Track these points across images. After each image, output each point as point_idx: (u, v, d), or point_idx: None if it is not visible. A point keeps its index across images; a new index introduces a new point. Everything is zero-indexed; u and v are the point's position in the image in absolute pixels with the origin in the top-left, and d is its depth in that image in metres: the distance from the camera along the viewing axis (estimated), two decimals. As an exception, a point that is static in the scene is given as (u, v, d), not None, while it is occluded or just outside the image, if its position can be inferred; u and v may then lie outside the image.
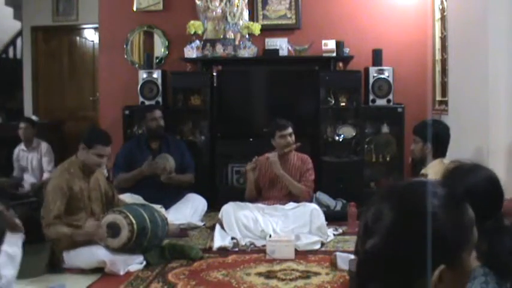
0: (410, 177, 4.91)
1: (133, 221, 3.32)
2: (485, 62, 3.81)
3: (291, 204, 4.12)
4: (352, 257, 3.21)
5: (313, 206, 4.08)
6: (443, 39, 5.05)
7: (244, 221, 3.95)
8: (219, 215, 4.03)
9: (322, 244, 3.84)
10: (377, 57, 5.19)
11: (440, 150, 3.37)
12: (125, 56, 5.78)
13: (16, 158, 5.51)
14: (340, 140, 5.18)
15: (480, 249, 1.39)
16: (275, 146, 4.26)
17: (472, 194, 1.43)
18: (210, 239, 3.94)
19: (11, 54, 8.01)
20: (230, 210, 4.00)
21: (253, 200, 4.27)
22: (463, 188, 1.42)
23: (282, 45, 5.37)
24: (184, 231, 4.22)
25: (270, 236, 3.73)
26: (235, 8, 5.39)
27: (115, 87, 5.71)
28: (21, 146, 5.47)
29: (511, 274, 1.41)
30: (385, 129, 5.24)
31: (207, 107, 5.26)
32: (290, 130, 4.23)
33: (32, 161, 5.43)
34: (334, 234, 4.10)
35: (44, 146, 5.45)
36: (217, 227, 3.97)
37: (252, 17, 5.52)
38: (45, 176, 5.24)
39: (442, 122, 3.73)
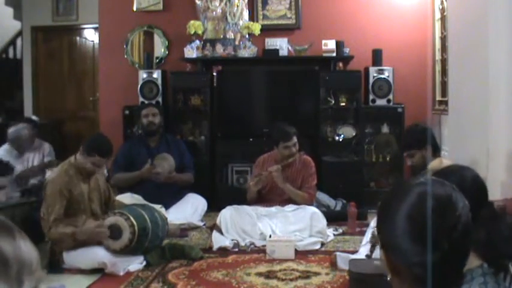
0: (411, 177, 4.90)
1: (135, 223, 3.32)
2: (485, 62, 3.81)
3: (291, 206, 4.10)
4: (352, 256, 3.21)
5: (313, 209, 4.05)
6: (443, 39, 5.04)
7: (243, 225, 3.93)
8: (217, 221, 3.99)
9: (322, 244, 3.84)
10: (377, 57, 5.19)
11: (436, 150, 3.41)
12: (125, 56, 5.78)
13: None
14: (340, 140, 5.18)
15: (477, 239, 1.40)
16: (278, 153, 4.20)
17: (461, 189, 1.48)
18: (210, 239, 3.94)
19: (11, 54, 8.01)
20: (228, 215, 3.98)
21: (254, 202, 4.26)
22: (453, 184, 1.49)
23: (282, 45, 5.37)
24: (184, 231, 4.23)
25: (270, 236, 3.72)
26: (235, 8, 5.40)
27: (115, 87, 5.71)
28: None
29: (507, 263, 1.43)
30: (385, 129, 5.25)
31: (207, 107, 5.26)
32: (294, 140, 4.13)
33: (34, 161, 5.39)
34: (334, 234, 4.10)
35: (47, 146, 5.40)
36: (214, 232, 3.94)
37: (252, 17, 5.51)
38: (48, 174, 5.20)
39: (421, 124, 3.75)
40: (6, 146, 4.74)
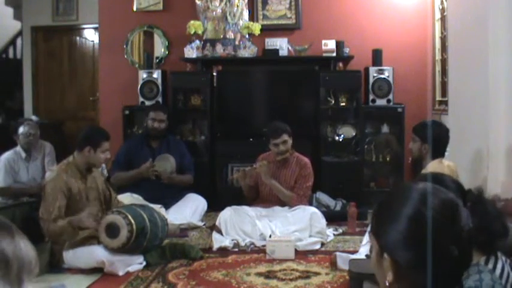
0: (410, 177, 4.91)
1: (133, 221, 3.31)
2: (485, 62, 3.81)
3: (290, 207, 4.11)
4: (352, 256, 3.21)
5: (313, 209, 4.04)
6: (443, 39, 5.05)
7: (243, 226, 3.93)
8: (217, 222, 3.99)
9: (322, 244, 3.84)
10: (377, 57, 5.19)
11: (438, 151, 3.40)
12: (125, 56, 5.78)
13: None
14: (340, 140, 5.18)
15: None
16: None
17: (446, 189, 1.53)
18: (210, 239, 3.94)
19: (11, 54, 8.02)
20: (228, 216, 3.97)
21: (253, 200, 4.27)
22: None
23: (282, 45, 5.37)
24: (184, 231, 4.23)
25: (270, 236, 3.72)
26: (235, 8, 5.39)
27: (115, 87, 5.71)
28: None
29: (499, 239, 1.45)
30: (385, 129, 5.25)
31: (207, 107, 5.26)
32: (284, 138, 4.10)
33: (36, 161, 5.38)
34: (334, 234, 4.10)
35: (48, 146, 5.40)
36: (214, 233, 3.93)
37: (252, 17, 5.51)
38: (47, 174, 5.18)
39: (442, 124, 3.75)
40: (17, 148, 4.67)
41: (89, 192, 3.58)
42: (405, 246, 0.97)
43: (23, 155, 4.67)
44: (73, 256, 3.36)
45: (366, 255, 3.07)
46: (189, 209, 4.50)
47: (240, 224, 3.94)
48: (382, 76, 5.12)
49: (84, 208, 3.52)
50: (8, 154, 4.64)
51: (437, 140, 3.41)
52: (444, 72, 5.04)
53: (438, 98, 5.23)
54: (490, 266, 1.44)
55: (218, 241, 3.84)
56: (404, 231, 0.97)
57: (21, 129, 4.63)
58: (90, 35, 7.32)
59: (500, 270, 1.46)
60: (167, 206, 4.42)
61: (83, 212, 3.41)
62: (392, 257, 1.00)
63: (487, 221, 1.44)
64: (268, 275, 3.23)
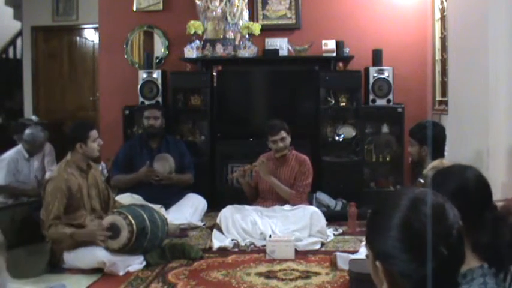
0: (411, 177, 4.91)
1: (133, 222, 3.31)
2: (485, 62, 3.81)
3: (290, 206, 4.11)
4: (352, 256, 3.21)
5: (313, 208, 4.06)
6: (443, 39, 5.05)
7: (243, 224, 3.94)
8: (217, 220, 4.01)
9: (322, 244, 3.84)
10: (377, 57, 5.19)
11: (438, 151, 3.39)
12: (125, 56, 5.78)
13: None
14: (340, 140, 5.18)
15: (479, 241, 1.40)
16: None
17: (464, 190, 1.45)
18: (210, 239, 3.94)
19: (11, 54, 8.02)
20: (228, 214, 3.99)
21: (254, 199, 4.28)
22: (454, 187, 1.47)
23: (282, 45, 5.37)
24: (184, 231, 4.23)
25: (270, 236, 3.72)
26: (235, 8, 5.39)
27: (115, 87, 5.71)
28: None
29: (508, 265, 1.43)
30: (385, 129, 5.25)
31: (207, 107, 5.26)
32: (282, 135, 4.16)
33: (35, 161, 5.39)
34: (334, 234, 4.10)
35: (47, 146, 5.41)
36: (215, 231, 3.96)
37: (252, 17, 5.51)
38: (48, 174, 5.19)
39: (437, 123, 3.75)
40: (19, 147, 4.73)
41: (90, 189, 3.59)
42: (396, 254, 0.99)
43: (25, 154, 4.74)
44: (73, 256, 3.36)
45: (366, 255, 3.06)
46: (189, 209, 4.50)
47: (241, 222, 3.95)
48: (382, 76, 5.12)
49: (85, 205, 3.53)
50: (11, 153, 4.73)
51: (435, 140, 3.40)
52: (444, 72, 5.04)
53: (438, 98, 5.23)
54: (493, 269, 1.44)
55: (218, 239, 3.84)
56: (394, 239, 0.99)
57: (27, 136, 4.68)
58: (90, 35, 7.32)
59: (504, 272, 1.45)
60: (167, 206, 4.42)
61: (88, 223, 3.41)
62: (384, 265, 1.02)
63: (500, 244, 1.41)
64: (268, 275, 3.23)
